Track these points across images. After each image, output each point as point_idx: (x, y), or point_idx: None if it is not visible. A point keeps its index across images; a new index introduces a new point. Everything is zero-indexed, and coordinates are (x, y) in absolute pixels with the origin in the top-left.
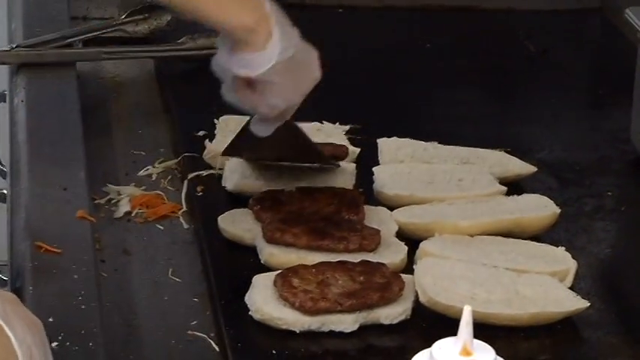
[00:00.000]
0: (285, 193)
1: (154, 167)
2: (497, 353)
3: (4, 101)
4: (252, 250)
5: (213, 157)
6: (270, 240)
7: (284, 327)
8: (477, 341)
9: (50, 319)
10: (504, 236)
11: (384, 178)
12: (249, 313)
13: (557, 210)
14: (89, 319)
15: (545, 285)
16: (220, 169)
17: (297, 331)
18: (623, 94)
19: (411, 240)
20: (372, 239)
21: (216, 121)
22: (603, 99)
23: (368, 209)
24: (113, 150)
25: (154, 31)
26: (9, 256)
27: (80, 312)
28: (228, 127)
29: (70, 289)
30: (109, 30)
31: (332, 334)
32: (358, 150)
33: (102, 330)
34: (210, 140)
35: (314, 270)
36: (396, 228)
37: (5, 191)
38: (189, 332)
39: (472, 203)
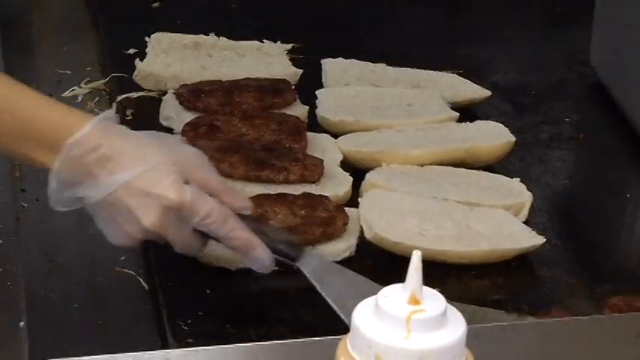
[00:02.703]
0: (222, 119)
1: (80, 88)
2: (448, 293)
3: None
4: None
5: (144, 78)
6: None
7: (219, 265)
8: (426, 289)
9: None
10: (456, 166)
11: (327, 102)
12: None
13: (513, 138)
14: (7, 255)
15: (498, 220)
16: (152, 90)
17: (233, 269)
18: (582, 12)
19: (357, 170)
20: (314, 169)
21: (147, 38)
22: (561, 17)
23: (310, 136)
24: (35, 69)
25: None
26: None
27: None
28: (160, 46)
29: None
30: None
31: (271, 273)
32: (300, 71)
33: (21, 268)
34: (141, 59)
35: (252, 203)
36: (340, 157)
37: None
38: (117, 269)
39: (422, 130)
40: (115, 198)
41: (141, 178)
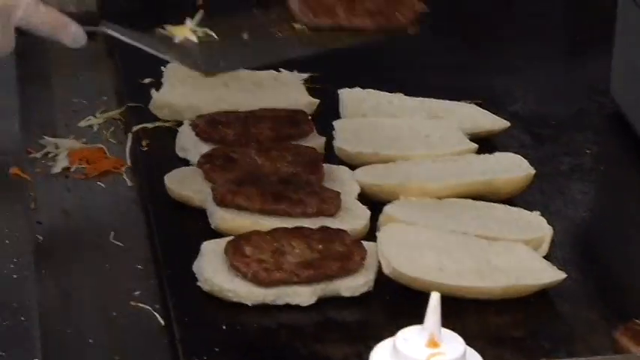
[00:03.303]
0: (238, 150)
1: (95, 117)
2: (466, 330)
3: None
4: (201, 213)
5: (160, 108)
6: (221, 203)
7: (235, 300)
8: (445, 331)
9: None
10: (475, 199)
11: (345, 133)
12: (198, 283)
13: (532, 170)
14: (22, 290)
15: (518, 254)
16: (168, 120)
17: (250, 305)
18: (602, 41)
19: (375, 203)
20: (331, 202)
21: (163, 68)
22: (580, 46)
23: (327, 168)
24: (51, 98)
25: None
26: None
27: (12, 282)
28: (176, 76)
29: (1, 256)
30: None
31: (287, 308)
32: (317, 101)
33: (36, 302)
34: (157, 89)
35: (268, 237)
36: (357, 190)
37: None
38: (132, 303)
39: (440, 162)
40: None
41: None
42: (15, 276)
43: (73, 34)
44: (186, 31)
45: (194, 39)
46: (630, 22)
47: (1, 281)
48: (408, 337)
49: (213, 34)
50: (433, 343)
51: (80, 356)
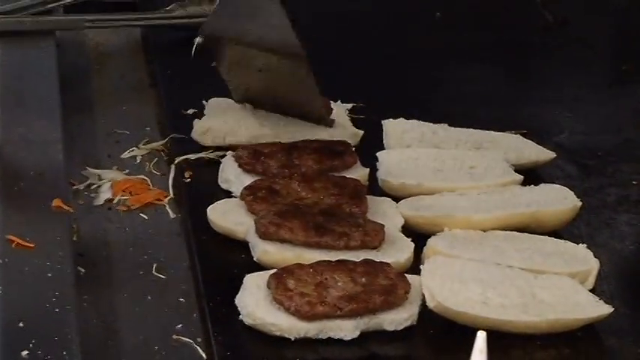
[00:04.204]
0: (280, 182)
1: (138, 148)
2: None
3: None
4: (244, 246)
5: (202, 134)
6: (264, 235)
7: (278, 333)
8: None
9: (20, 324)
10: (520, 231)
11: (389, 164)
12: (240, 317)
13: (578, 203)
14: (64, 323)
15: (564, 288)
16: (210, 151)
17: (292, 339)
18: None
19: (418, 235)
20: (375, 235)
21: (205, 102)
22: (627, 74)
23: (371, 200)
24: (94, 128)
25: None
26: None
27: (54, 316)
28: (219, 107)
29: (44, 289)
30: None
31: (330, 342)
32: (361, 132)
33: (78, 335)
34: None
35: (311, 270)
36: (401, 222)
37: None
38: (174, 337)
39: (485, 194)
40: None
41: None
42: (57, 309)
43: None
44: None
45: None
46: None
47: (43, 315)
48: None
49: None
50: None
51: None
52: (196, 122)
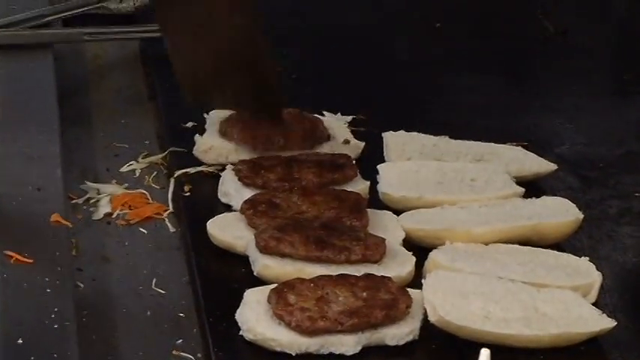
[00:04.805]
0: (280, 195)
1: (137, 162)
2: None
3: None
4: (244, 260)
5: (204, 152)
6: (264, 249)
7: (278, 349)
8: None
9: (19, 341)
10: (522, 244)
11: (389, 177)
12: (240, 332)
13: (580, 215)
14: (63, 339)
15: (567, 301)
16: (210, 165)
17: (294, 354)
18: None
19: (420, 249)
20: (376, 249)
21: (205, 115)
22: (629, 85)
23: (372, 213)
24: (93, 142)
25: (140, 8)
26: None
27: (53, 331)
28: (219, 121)
29: (43, 305)
30: (90, 7)
31: (332, 357)
32: (362, 144)
33: (77, 351)
34: (200, 133)
35: (312, 284)
36: (402, 235)
37: None
38: (174, 352)
39: (486, 207)
40: None
41: None
42: (56, 325)
43: None
44: None
45: None
46: None
47: (42, 331)
48: None
49: None
50: None
51: None
52: (198, 139)
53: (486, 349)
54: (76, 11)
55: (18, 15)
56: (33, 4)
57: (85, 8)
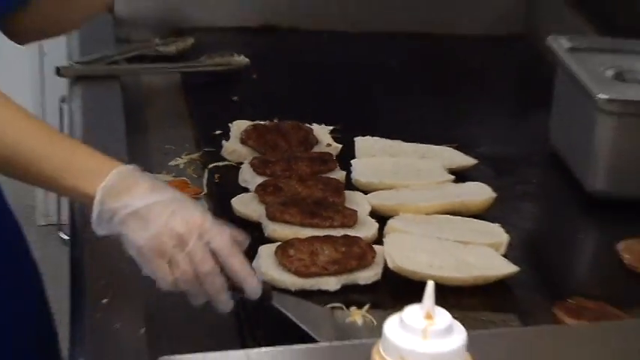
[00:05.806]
0: (283, 181)
1: (181, 158)
2: (449, 307)
3: (64, 102)
4: (258, 226)
5: (229, 153)
6: (272, 218)
7: (283, 287)
8: (437, 308)
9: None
10: (453, 215)
11: (360, 168)
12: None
13: (494, 194)
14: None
15: (484, 254)
16: (238, 163)
17: (293, 290)
18: (543, 102)
19: (382, 218)
20: (350, 218)
21: (230, 124)
22: (528, 106)
23: (347, 194)
24: (149, 145)
25: (181, 51)
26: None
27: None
28: (240, 129)
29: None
30: (146, 50)
31: (320, 292)
32: (340, 146)
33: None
34: (226, 139)
35: (306, 243)
36: (369, 209)
37: None
38: None
39: (428, 189)
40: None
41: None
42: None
43: (249, 288)
44: (357, 315)
45: (359, 322)
46: (564, 89)
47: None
48: (411, 312)
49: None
50: (429, 316)
51: None
52: (224, 143)
53: (431, 282)
54: (136, 52)
55: (94, 54)
56: (105, 48)
57: (142, 50)
